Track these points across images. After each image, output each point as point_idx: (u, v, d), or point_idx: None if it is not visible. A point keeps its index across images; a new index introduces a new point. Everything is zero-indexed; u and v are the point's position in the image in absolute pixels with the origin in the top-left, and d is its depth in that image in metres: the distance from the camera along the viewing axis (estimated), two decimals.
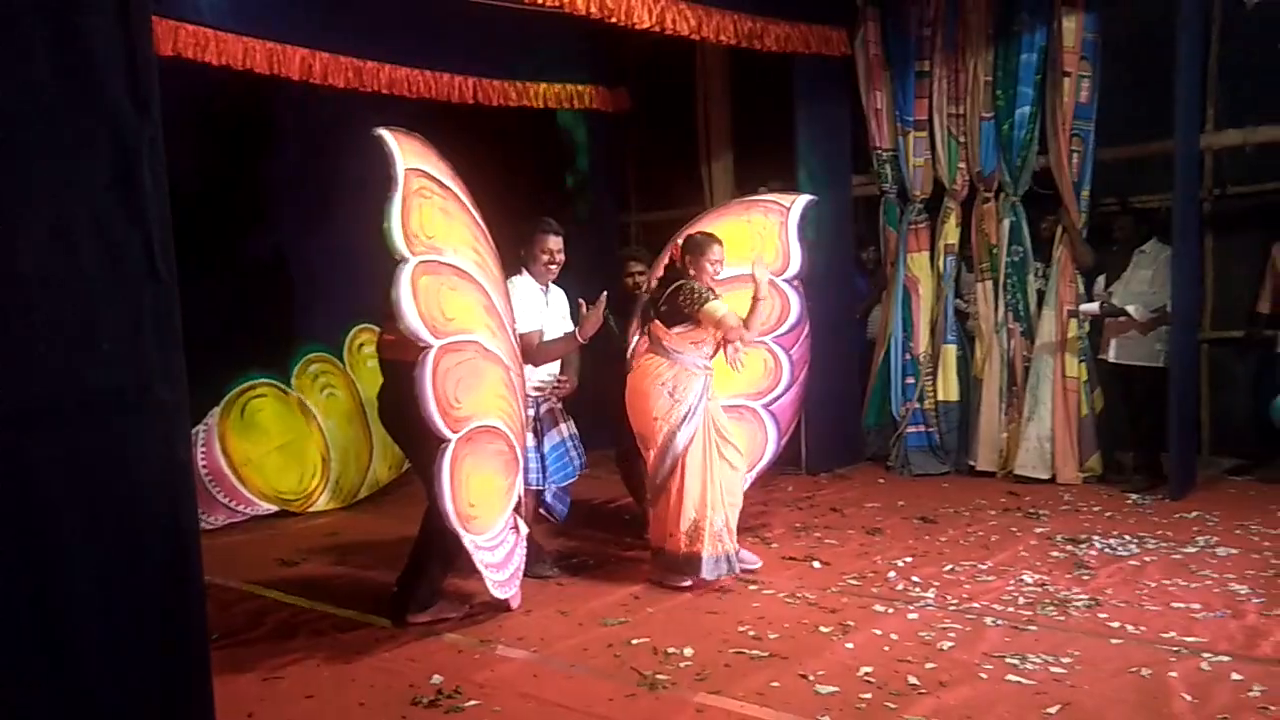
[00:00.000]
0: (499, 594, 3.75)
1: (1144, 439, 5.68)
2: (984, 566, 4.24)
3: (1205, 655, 3.14)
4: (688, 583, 4.08)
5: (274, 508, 5.79)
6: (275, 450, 5.78)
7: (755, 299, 4.10)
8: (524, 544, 3.96)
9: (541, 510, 4.44)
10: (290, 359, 6.01)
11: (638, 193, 8.20)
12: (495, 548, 3.71)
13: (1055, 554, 4.39)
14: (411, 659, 3.42)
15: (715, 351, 4.17)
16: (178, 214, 1.79)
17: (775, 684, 3.06)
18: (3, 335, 1.55)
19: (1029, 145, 5.97)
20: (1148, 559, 4.25)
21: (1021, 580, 4.02)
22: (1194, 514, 4.96)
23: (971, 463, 6.27)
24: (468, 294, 3.58)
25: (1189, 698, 2.83)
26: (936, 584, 4.03)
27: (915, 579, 4.11)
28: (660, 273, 4.35)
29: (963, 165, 6.27)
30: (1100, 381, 5.92)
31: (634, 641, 3.49)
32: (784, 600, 3.91)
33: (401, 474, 6.25)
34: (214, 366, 5.23)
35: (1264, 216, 5.68)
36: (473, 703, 3.01)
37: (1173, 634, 3.34)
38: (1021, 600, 3.77)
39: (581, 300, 4.20)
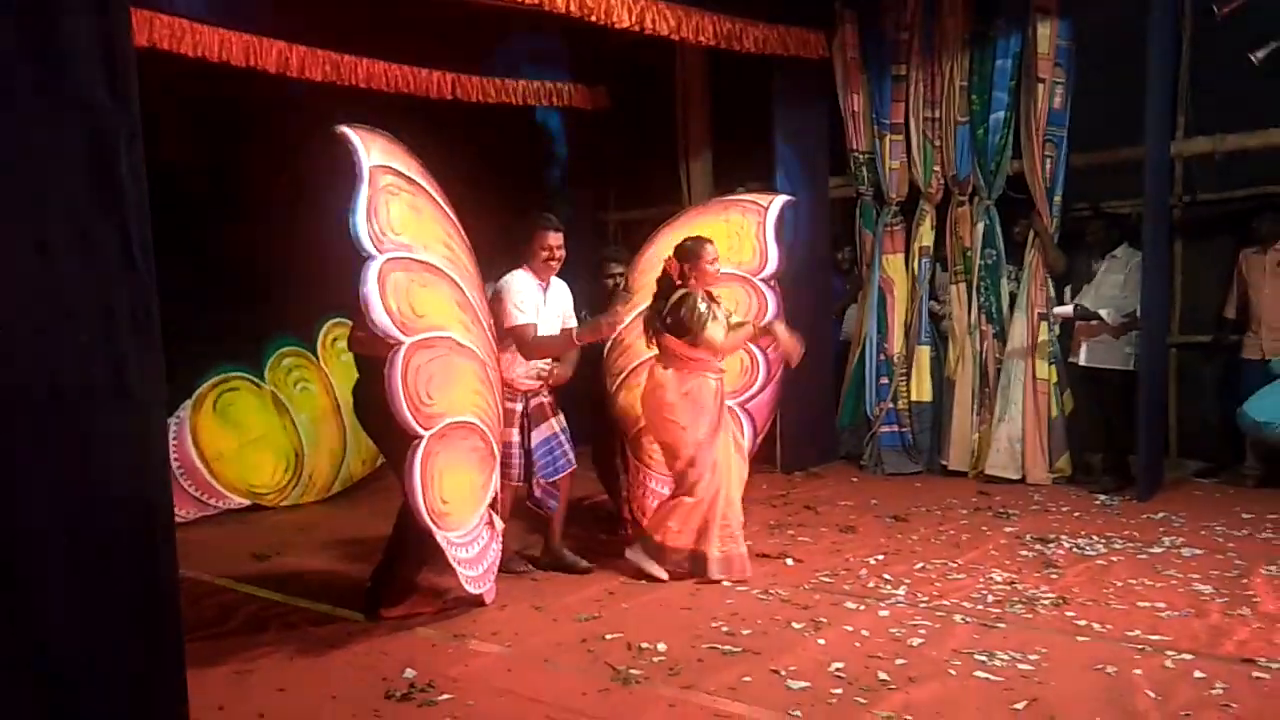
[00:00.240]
0: (472, 590, 3.75)
1: (1113, 441, 5.76)
2: (954, 565, 4.30)
3: (1169, 653, 3.19)
4: (664, 576, 4.12)
5: (246, 502, 5.76)
6: (248, 444, 5.75)
7: (756, 335, 4.34)
8: (499, 540, 3.96)
9: (529, 504, 4.40)
10: (263, 352, 5.97)
11: (616, 191, 8.20)
12: (469, 544, 3.71)
13: (1024, 553, 4.45)
14: (384, 653, 3.42)
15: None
16: (151, 206, 1.79)
17: (747, 679, 3.08)
18: None
19: (1003, 150, 6.04)
20: (1115, 559, 4.32)
21: (991, 578, 4.07)
22: (1160, 515, 5.04)
23: (944, 462, 6.34)
24: (439, 290, 3.58)
25: (1153, 695, 2.88)
26: (908, 582, 4.07)
27: (887, 576, 4.15)
28: (655, 286, 4.34)
29: (938, 168, 6.34)
30: (1070, 384, 6.00)
31: (607, 637, 3.50)
32: (757, 596, 3.94)
33: (375, 468, 6.22)
34: (186, 359, 5.19)
35: (1232, 223, 5.77)
36: (445, 697, 3.01)
37: (1138, 632, 3.40)
38: (990, 598, 3.82)
39: (589, 314, 4.26)
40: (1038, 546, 4.54)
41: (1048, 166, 5.86)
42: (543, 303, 4.24)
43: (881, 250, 6.57)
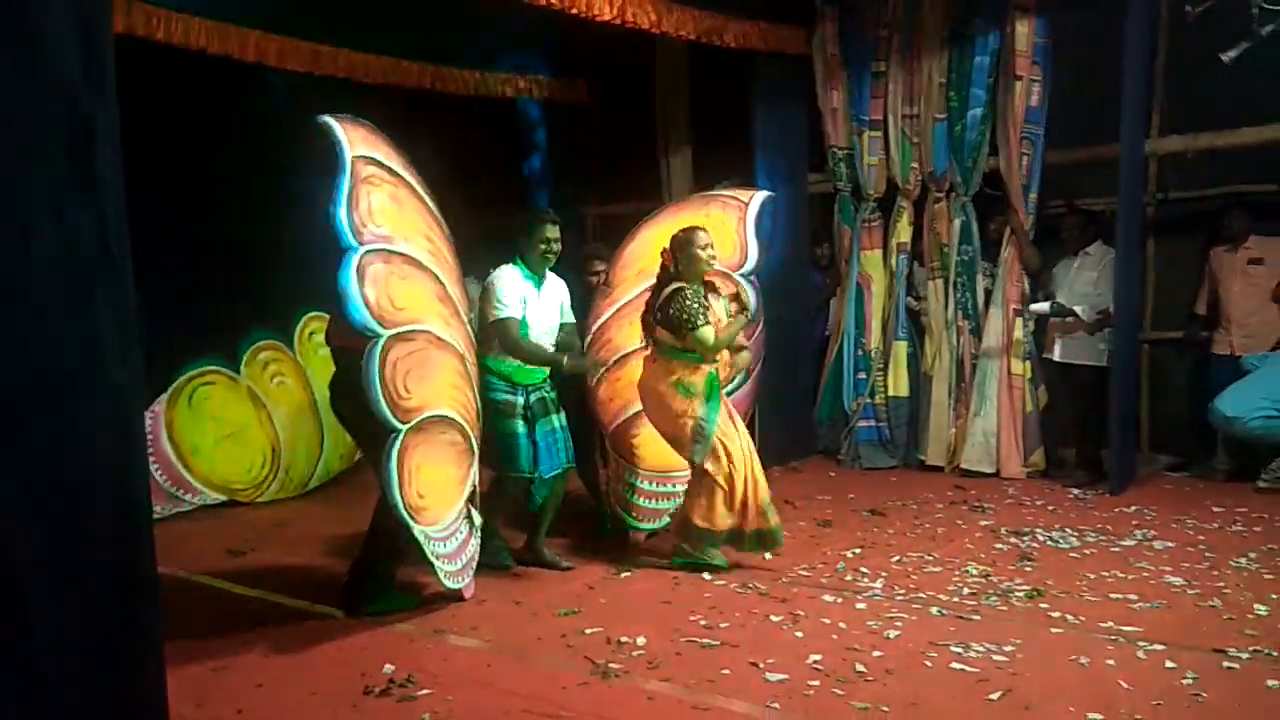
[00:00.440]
0: (451, 585, 3.75)
1: (1086, 436, 5.82)
2: (930, 558, 4.33)
3: (1142, 644, 3.24)
4: (724, 563, 4.19)
5: (222, 497, 5.71)
6: (224, 439, 5.70)
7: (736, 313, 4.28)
8: (478, 535, 3.95)
9: (532, 497, 4.35)
10: (239, 346, 5.91)
11: (595, 186, 8.18)
12: (447, 538, 3.70)
13: (999, 546, 4.50)
14: (363, 648, 3.41)
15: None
16: (126, 196, 1.77)
17: (726, 671, 3.10)
18: None
19: (980, 147, 6.08)
20: (1088, 551, 4.37)
21: (966, 571, 4.11)
22: (1133, 509, 5.10)
23: (920, 457, 6.38)
24: (419, 283, 3.56)
25: (1126, 685, 2.92)
26: (884, 574, 4.10)
27: (864, 570, 4.18)
28: (636, 281, 4.36)
29: (915, 165, 6.37)
30: (1044, 379, 6.06)
31: (587, 631, 3.51)
32: (735, 590, 3.96)
33: (353, 464, 6.18)
34: (161, 352, 5.12)
35: (1203, 221, 5.84)
36: (425, 692, 3.01)
37: (1111, 623, 3.44)
38: (966, 591, 3.86)
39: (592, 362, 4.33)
40: (1012, 540, 4.58)
41: (1025, 163, 5.90)
42: (536, 296, 4.22)
43: (859, 246, 6.59)
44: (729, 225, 4.86)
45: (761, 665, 3.13)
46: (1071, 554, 4.34)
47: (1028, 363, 6.00)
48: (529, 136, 7.97)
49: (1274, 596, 3.67)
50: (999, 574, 4.06)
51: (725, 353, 4.25)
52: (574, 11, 5.07)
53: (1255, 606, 3.58)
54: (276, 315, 6.15)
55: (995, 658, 3.15)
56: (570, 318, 4.41)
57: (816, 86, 6.59)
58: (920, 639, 3.33)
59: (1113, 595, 3.76)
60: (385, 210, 3.43)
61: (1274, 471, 5.34)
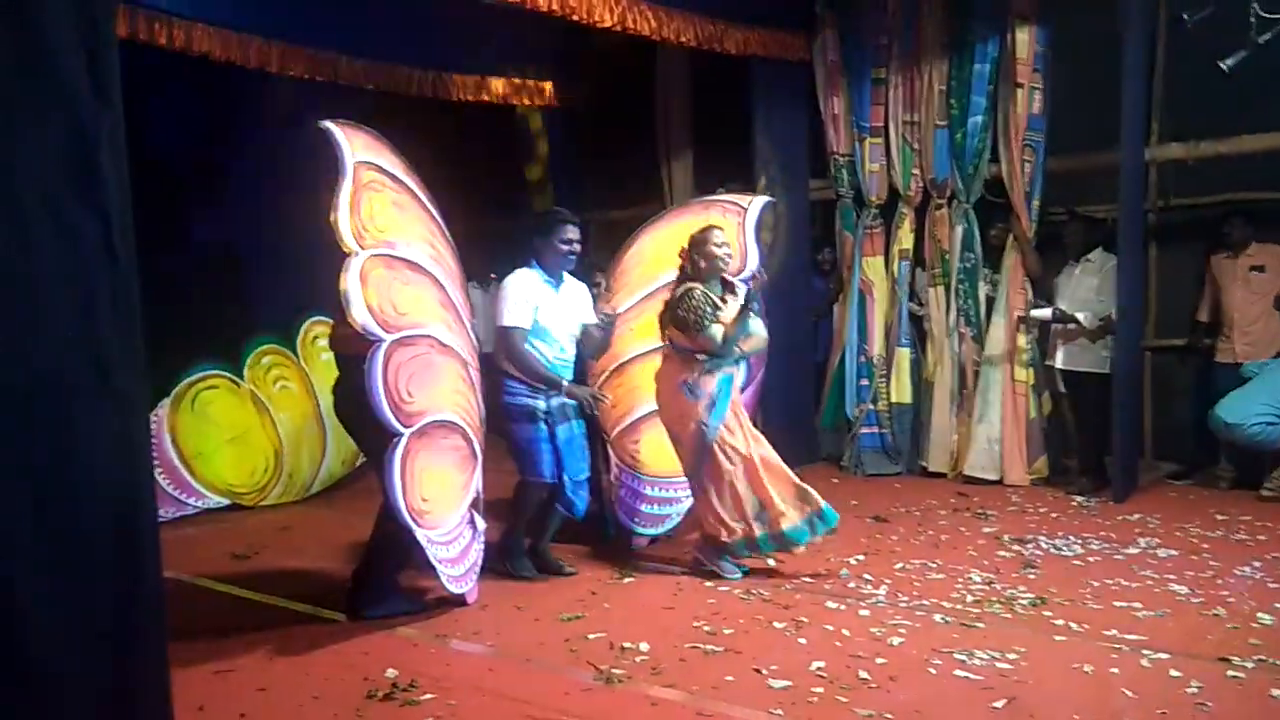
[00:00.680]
0: (454, 589, 3.74)
1: (1089, 443, 5.82)
2: (934, 565, 4.33)
3: (1146, 652, 3.23)
4: (738, 575, 4.15)
5: (225, 501, 5.71)
6: (227, 443, 5.70)
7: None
8: (481, 539, 3.95)
9: (559, 505, 4.30)
10: (242, 351, 5.91)
11: (596, 192, 8.19)
12: (450, 543, 3.70)
13: (1003, 553, 4.49)
14: (366, 653, 3.40)
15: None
16: (131, 200, 1.77)
17: (729, 678, 3.09)
18: None
19: (981, 154, 6.09)
20: (1091, 559, 4.36)
21: (970, 578, 4.11)
22: (1136, 516, 5.09)
23: (923, 464, 6.38)
24: (422, 288, 3.57)
25: (1129, 693, 2.92)
26: (888, 581, 4.10)
27: (867, 576, 4.17)
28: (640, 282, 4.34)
29: (917, 172, 6.38)
30: (1047, 387, 6.05)
31: (590, 636, 3.51)
32: (739, 596, 3.95)
33: (356, 468, 6.18)
34: (164, 357, 5.13)
35: (1205, 228, 5.84)
36: (428, 696, 3.01)
37: (1115, 632, 3.44)
38: (970, 598, 3.85)
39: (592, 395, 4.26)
40: (1016, 547, 4.58)
41: (1027, 171, 5.91)
42: (554, 299, 4.20)
43: (861, 253, 6.60)
44: (730, 231, 4.85)
45: (765, 672, 3.13)
46: (1075, 562, 4.33)
47: (1031, 370, 6.00)
48: (530, 143, 7.98)
49: (1278, 605, 3.66)
50: (1002, 581, 4.06)
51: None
52: (575, 18, 5.08)
53: (1259, 615, 3.57)
54: (280, 320, 6.16)
55: (999, 665, 3.14)
56: (594, 318, 4.37)
57: (817, 93, 6.61)
58: (924, 646, 3.33)
59: (1116, 603, 3.75)
60: (387, 215, 3.44)
61: (1277, 480, 5.33)
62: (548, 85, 7.45)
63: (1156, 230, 6.11)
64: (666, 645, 3.39)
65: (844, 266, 6.74)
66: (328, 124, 3.33)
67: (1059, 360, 5.82)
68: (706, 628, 3.57)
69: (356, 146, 3.37)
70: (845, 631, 3.50)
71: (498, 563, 4.23)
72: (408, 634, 3.60)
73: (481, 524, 3.96)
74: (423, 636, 3.57)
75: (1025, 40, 5.82)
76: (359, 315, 3.27)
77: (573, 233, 4.21)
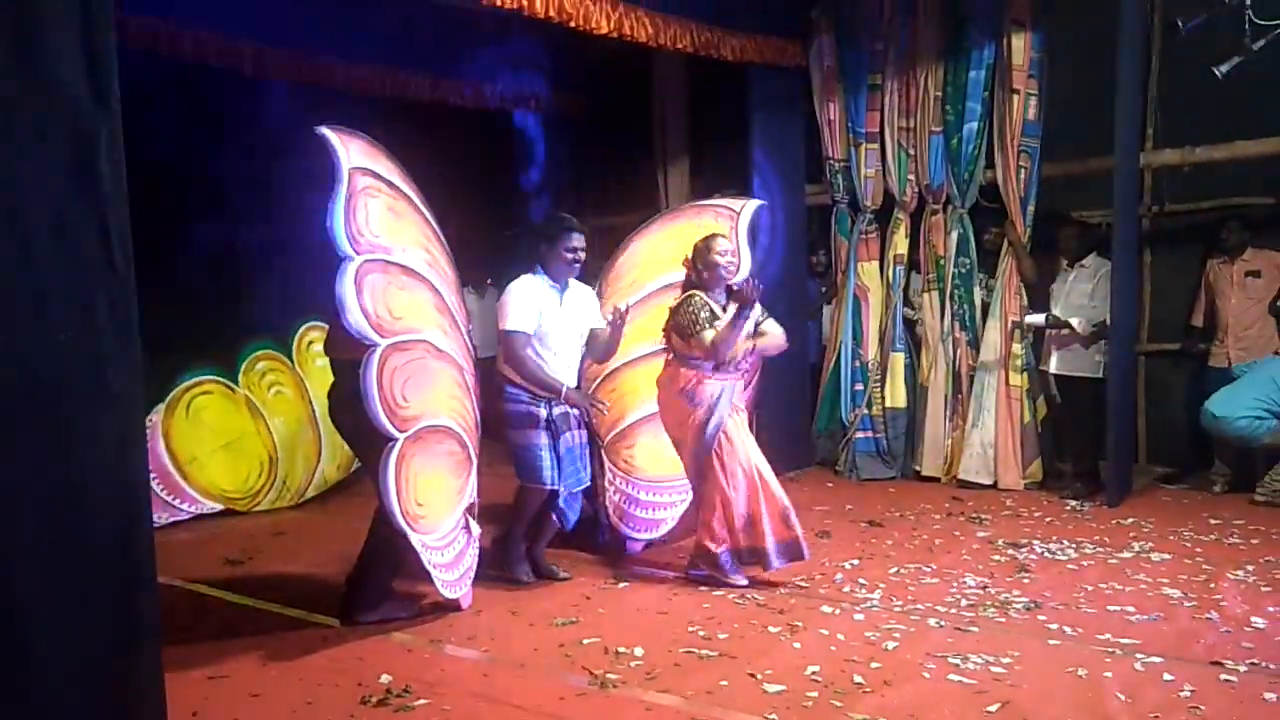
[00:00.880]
0: (449, 594, 3.74)
1: (1083, 448, 5.83)
2: (928, 569, 4.33)
3: (1139, 656, 3.24)
4: (744, 581, 4.12)
5: (219, 506, 5.70)
6: (221, 448, 5.69)
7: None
8: (476, 544, 3.95)
9: (554, 514, 4.29)
10: (237, 356, 5.91)
11: (592, 197, 8.19)
12: (445, 548, 3.70)
13: (997, 557, 4.50)
14: (360, 658, 3.40)
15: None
16: (129, 206, 1.78)
17: (724, 683, 3.10)
18: None
19: (976, 159, 6.11)
20: (1085, 563, 4.37)
21: (964, 582, 4.11)
22: (1130, 520, 5.11)
23: (917, 468, 6.39)
24: (418, 293, 3.57)
25: (1123, 697, 2.92)
26: (882, 586, 4.10)
27: (862, 581, 4.18)
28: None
29: (912, 177, 6.39)
30: (1041, 391, 6.07)
31: (585, 641, 3.50)
32: (733, 601, 3.95)
33: (350, 473, 6.18)
34: (159, 362, 5.12)
35: (1199, 234, 5.87)
36: (422, 702, 3.00)
37: (1108, 635, 3.44)
38: (964, 602, 3.86)
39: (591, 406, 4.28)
40: (1010, 551, 4.59)
41: (1022, 176, 5.93)
42: (559, 305, 4.21)
43: (857, 257, 6.62)
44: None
45: (759, 676, 3.13)
46: (1069, 565, 4.34)
47: (1025, 374, 6.02)
48: (527, 149, 7.99)
49: (1271, 609, 3.68)
50: (997, 585, 4.06)
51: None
52: (572, 25, 5.09)
53: (1252, 619, 3.58)
54: (274, 325, 6.16)
55: (993, 669, 3.15)
56: (600, 323, 4.37)
57: (813, 99, 6.63)
58: (918, 650, 3.33)
59: (1110, 607, 3.76)
60: (383, 221, 3.44)
61: (1270, 484, 5.35)
62: (544, 92, 7.46)
63: (1151, 235, 6.13)
64: (661, 650, 3.39)
65: (838, 271, 6.76)
66: (324, 130, 3.34)
67: (1053, 365, 5.84)
68: (701, 632, 3.57)
69: (352, 152, 3.38)
70: (840, 636, 3.50)
71: (494, 567, 4.23)
72: (402, 639, 3.60)
73: (476, 529, 3.96)
74: (417, 642, 3.57)
75: (1020, 46, 5.85)
76: (354, 320, 3.28)
77: (578, 240, 4.22)
